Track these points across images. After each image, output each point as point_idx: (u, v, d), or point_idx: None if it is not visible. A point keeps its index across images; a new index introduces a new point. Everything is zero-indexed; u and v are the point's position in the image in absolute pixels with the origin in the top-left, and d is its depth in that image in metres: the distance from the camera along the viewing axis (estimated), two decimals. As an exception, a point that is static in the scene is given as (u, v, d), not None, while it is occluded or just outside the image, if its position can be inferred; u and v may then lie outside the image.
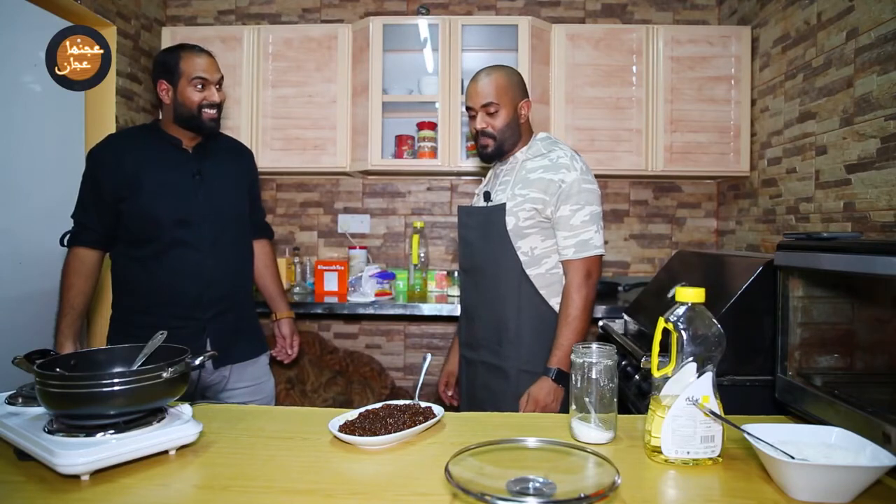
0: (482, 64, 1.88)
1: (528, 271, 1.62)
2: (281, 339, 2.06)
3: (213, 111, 1.72)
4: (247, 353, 1.86)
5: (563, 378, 1.53)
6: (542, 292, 1.62)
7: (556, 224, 1.61)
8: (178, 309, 1.71)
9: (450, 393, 1.86)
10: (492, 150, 1.68)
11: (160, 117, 1.79)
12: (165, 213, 1.68)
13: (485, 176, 1.96)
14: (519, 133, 1.69)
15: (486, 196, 1.72)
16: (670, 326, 1.00)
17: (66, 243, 1.74)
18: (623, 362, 1.87)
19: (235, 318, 1.81)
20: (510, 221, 1.62)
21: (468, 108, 1.69)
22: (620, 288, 2.88)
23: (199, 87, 1.70)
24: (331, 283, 2.93)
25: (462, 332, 1.80)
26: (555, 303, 1.63)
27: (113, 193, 1.68)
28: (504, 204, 1.64)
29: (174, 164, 1.73)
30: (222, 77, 1.77)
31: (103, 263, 1.78)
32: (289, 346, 2.05)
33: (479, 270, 1.70)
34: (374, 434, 1.05)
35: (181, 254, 1.70)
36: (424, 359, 1.51)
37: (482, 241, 1.69)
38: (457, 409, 1.52)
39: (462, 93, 2.75)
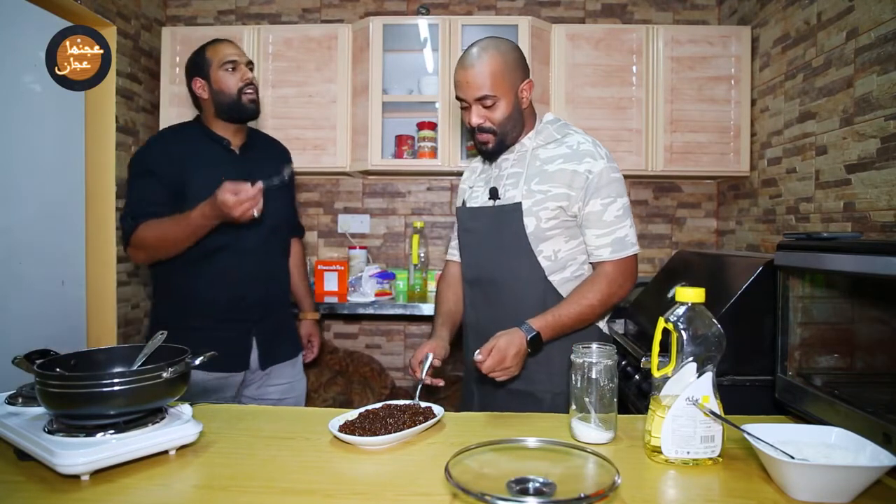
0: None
1: (550, 278, 1.42)
2: (304, 339, 2.08)
3: (251, 92, 1.72)
4: (289, 353, 1.88)
5: (536, 345, 1.31)
6: None
7: (584, 221, 1.40)
8: (226, 312, 1.71)
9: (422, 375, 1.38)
10: (493, 147, 1.43)
11: (201, 116, 1.79)
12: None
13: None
14: (522, 121, 1.44)
15: (494, 193, 1.47)
16: (670, 326, 1.00)
17: (126, 231, 1.64)
18: (623, 362, 1.87)
19: (278, 319, 1.83)
20: (530, 223, 1.39)
21: (459, 98, 1.42)
22: (620, 288, 2.87)
23: (231, 69, 1.70)
24: (331, 283, 2.92)
25: (469, 354, 1.47)
26: None
27: (171, 187, 1.66)
28: (519, 203, 1.41)
29: (222, 166, 1.72)
30: (252, 63, 1.77)
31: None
32: (306, 347, 2.07)
33: (492, 282, 1.47)
34: (374, 434, 1.05)
35: (229, 257, 1.70)
36: (426, 357, 1.45)
37: (493, 248, 1.46)
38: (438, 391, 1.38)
39: (462, 93, 2.75)
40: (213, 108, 1.73)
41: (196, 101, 1.77)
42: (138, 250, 1.65)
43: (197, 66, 1.73)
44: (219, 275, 1.69)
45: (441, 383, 1.36)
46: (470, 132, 1.45)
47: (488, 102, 1.37)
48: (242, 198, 1.41)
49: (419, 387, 1.32)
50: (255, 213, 1.44)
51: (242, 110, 1.72)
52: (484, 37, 1.43)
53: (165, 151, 1.70)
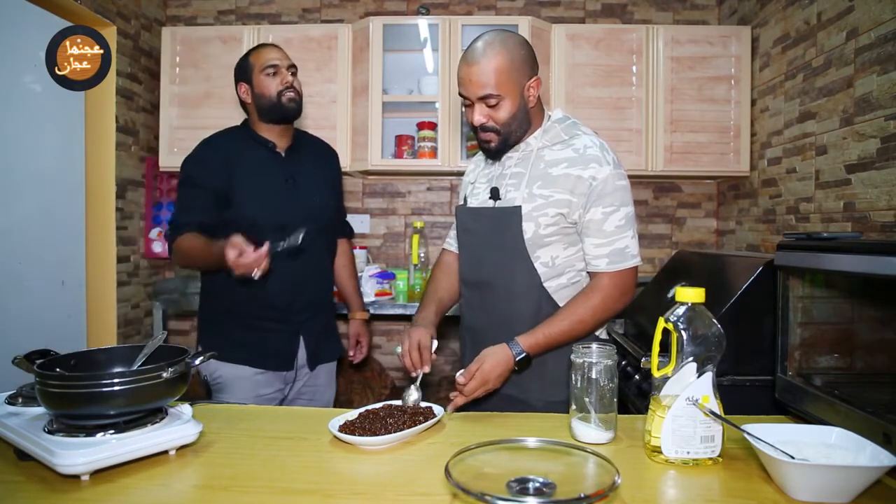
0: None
1: (546, 284, 1.37)
2: (352, 338, 2.08)
3: (292, 94, 1.73)
4: (333, 353, 1.91)
5: (524, 364, 1.29)
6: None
7: (584, 229, 1.34)
8: (273, 312, 1.74)
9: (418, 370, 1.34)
10: (496, 146, 1.37)
11: (248, 119, 1.82)
12: (262, 220, 1.69)
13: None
14: (528, 119, 1.38)
15: (495, 193, 1.41)
16: (670, 326, 1.00)
17: (169, 240, 1.70)
18: (623, 362, 1.87)
19: (324, 320, 1.87)
20: (528, 228, 1.34)
21: (461, 95, 1.35)
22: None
23: (272, 73, 1.72)
24: (331, 283, 2.92)
25: (467, 355, 1.48)
26: None
27: (216, 192, 1.69)
28: (519, 207, 1.35)
29: (268, 170, 1.75)
30: (295, 66, 1.78)
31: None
32: (353, 347, 2.07)
33: (487, 285, 1.42)
34: (374, 434, 1.05)
35: (276, 259, 1.67)
36: (430, 347, 1.38)
37: (491, 251, 1.41)
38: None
39: (462, 93, 2.75)
40: (256, 112, 1.76)
41: (244, 105, 1.80)
42: (176, 259, 1.72)
43: (241, 71, 1.77)
44: (264, 278, 1.70)
45: (427, 369, 1.34)
46: (472, 130, 1.39)
47: (492, 101, 1.30)
48: (242, 261, 1.38)
49: (419, 377, 1.31)
50: (255, 276, 1.42)
51: (283, 111, 1.73)
52: (491, 29, 1.36)
53: (211, 159, 1.73)
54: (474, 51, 1.30)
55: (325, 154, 1.96)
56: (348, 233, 2.10)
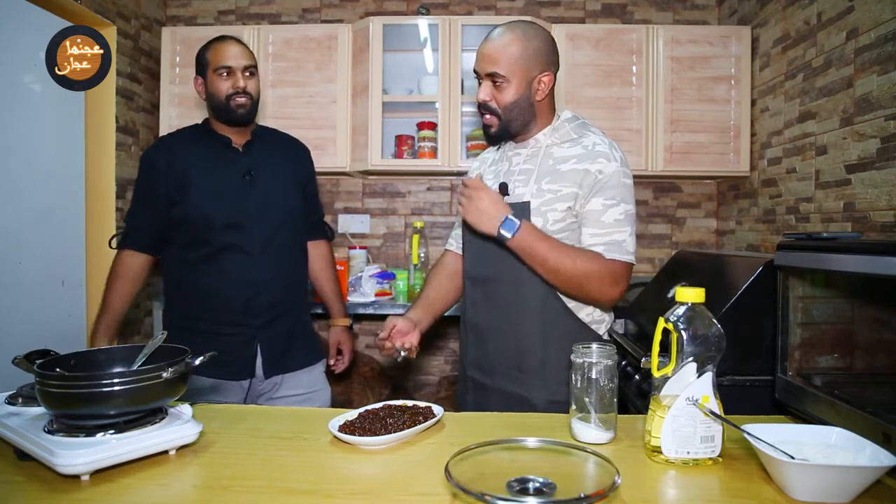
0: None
1: None
2: (332, 346, 1.99)
3: (242, 99, 1.67)
4: (300, 362, 1.78)
5: (509, 229, 1.27)
6: (569, 305, 1.38)
7: (583, 219, 1.34)
8: (229, 315, 1.66)
9: (401, 346, 1.42)
10: (496, 131, 1.40)
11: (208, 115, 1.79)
12: (216, 216, 1.64)
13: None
14: (533, 112, 1.41)
15: (503, 188, 1.42)
16: (670, 326, 1.00)
17: (113, 245, 1.73)
18: (623, 362, 1.87)
19: (288, 326, 1.76)
20: (537, 223, 1.34)
21: (475, 72, 1.42)
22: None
23: (225, 75, 1.66)
24: (331, 283, 2.92)
25: (469, 352, 1.50)
26: (584, 315, 1.39)
27: (165, 197, 1.66)
28: (528, 202, 1.36)
29: (224, 165, 1.70)
30: (253, 65, 1.72)
31: (150, 268, 1.79)
32: (334, 356, 1.99)
33: (493, 281, 1.42)
34: (374, 434, 1.05)
35: (232, 258, 1.66)
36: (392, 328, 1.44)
37: (497, 246, 1.38)
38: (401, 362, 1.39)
39: (462, 93, 2.76)
40: (211, 110, 1.72)
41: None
42: (111, 268, 1.75)
43: (200, 65, 1.71)
44: (221, 277, 1.66)
45: (411, 351, 1.40)
46: (478, 110, 1.43)
47: (497, 80, 1.35)
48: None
49: (401, 355, 1.36)
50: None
51: (230, 115, 1.68)
52: (520, 18, 1.41)
53: (163, 159, 1.69)
54: (495, 31, 1.39)
55: (291, 149, 1.87)
56: (327, 234, 2.00)
